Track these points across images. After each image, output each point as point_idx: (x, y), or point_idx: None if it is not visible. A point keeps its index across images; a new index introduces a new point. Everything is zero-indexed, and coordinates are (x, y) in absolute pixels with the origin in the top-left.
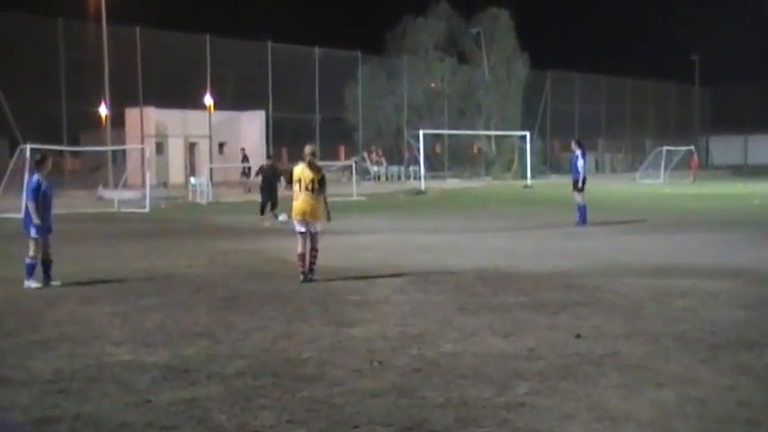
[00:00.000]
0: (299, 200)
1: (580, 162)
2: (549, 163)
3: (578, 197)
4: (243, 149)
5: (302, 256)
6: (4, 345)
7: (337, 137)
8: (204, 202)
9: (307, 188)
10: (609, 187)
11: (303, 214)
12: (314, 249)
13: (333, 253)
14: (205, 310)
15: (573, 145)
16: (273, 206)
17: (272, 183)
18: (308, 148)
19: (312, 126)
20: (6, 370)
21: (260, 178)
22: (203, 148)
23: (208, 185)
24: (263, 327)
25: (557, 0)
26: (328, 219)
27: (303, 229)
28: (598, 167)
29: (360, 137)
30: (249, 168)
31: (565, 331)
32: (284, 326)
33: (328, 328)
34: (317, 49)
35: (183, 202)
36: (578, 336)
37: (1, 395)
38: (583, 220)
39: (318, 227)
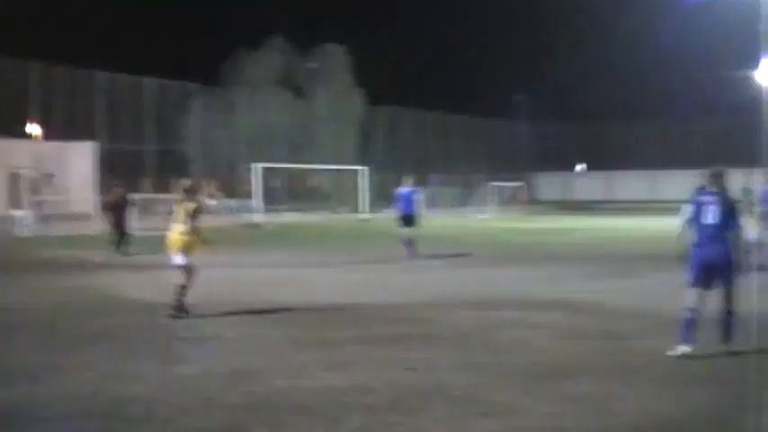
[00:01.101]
0: (173, 233)
1: (416, 197)
2: (385, 197)
3: (407, 232)
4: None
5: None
6: None
7: (171, 170)
8: (30, 234)
9: (180, 221)
10: (441, 221)
11: (176, 247)
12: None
13: (163, 288)
14: (26, 350)
15: (404, 180)
16: (120, 240)
17: (120, 214)
18: (182, 183)
19: (144, 158)
20: None
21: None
22: (28, 179)
23: (32, 218)
24: (89, 366)
25: (393, 38)
26: (202, 250)
27: (179, 263)
28: (430, 202)
29: (194, 170)
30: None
31: (396, 364)
32: (112, 365)
33: (158, 367)
34: (150, 80)
35: (5, 235)
36: (410, 369)
37: None
38: (412, 254)
39: (187, 260)
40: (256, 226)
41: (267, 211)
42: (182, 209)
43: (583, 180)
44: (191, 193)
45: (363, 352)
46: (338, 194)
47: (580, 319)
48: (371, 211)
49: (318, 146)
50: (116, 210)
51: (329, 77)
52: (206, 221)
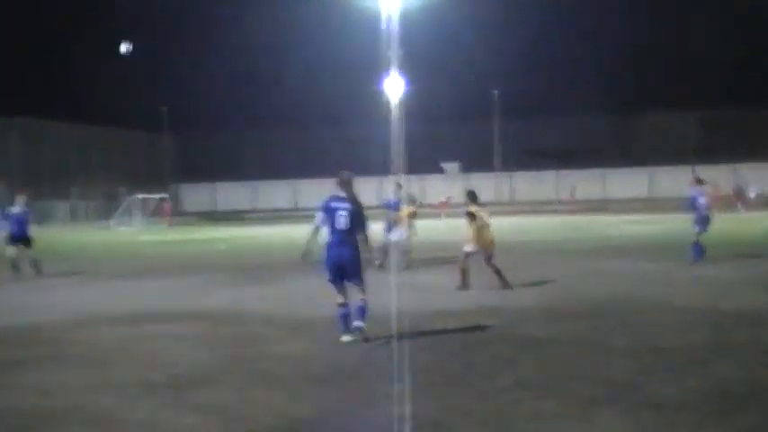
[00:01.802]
0: None
1: (28, 216)
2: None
3: (17, 252)
4: None
5: None
6: None
7: None
8: None
9: None
10: (83, 236)
11: None
12: None
13: None
14: None
15: (17, 200)
16: None
17: None
18: None
19: None
20: None
21: None
22: None
23: None
24: None
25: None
26: None
27: None
28: (71, 216)
29: None
30: None
31: (28, 389)
32: None
33: None
34: None
35: None
36: (44, 392)
37: None
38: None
39: None
40: None
41: None
42: None
43: (227, 191)
44: None
45: None
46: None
47: (221, 327)
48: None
49: None
50: None
51: None
52: None
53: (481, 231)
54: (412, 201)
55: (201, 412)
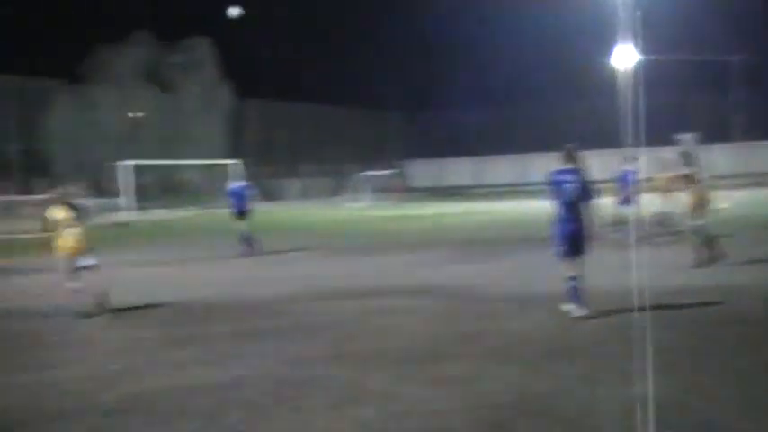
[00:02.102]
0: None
1: (248, 192)
2: (258, 190)
3: (243, 226)
4: None
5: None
6: None
7: (35, 170)
8: None
9: (67, 225)
10: (314, 212)
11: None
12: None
13: (32, 291)
14: None
15: (235, 176)
16: None
17: None
18: (60, 191)
19: (6, 158)
20: None
21: None
22: None
23: None
24: None
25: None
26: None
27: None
28: (302, 193)
29: (60, 170)
30: None
31: (272, 358)
32: None
33: (31, 373)
34: (9, 78)
35: None
36: (286, 362)
37: None
38: (250, 250)
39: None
40: (125, 225)
41: (138, 208)
42: (61, 213)
43: (454, 166)
44: (67, 198)
45: (239, 347)
46: (210, 189)
47: (452, 302)
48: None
49: (189, 141)
50: None
51: (196, 71)
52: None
53: (698, 194)
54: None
55: (441, 385)
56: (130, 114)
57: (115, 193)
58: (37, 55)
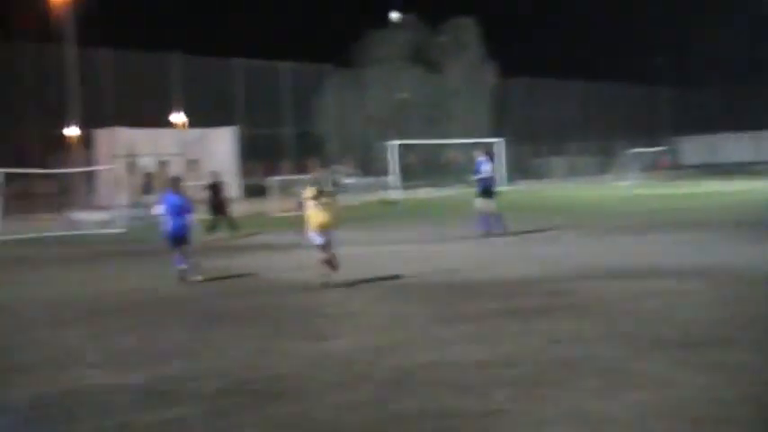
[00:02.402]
0: (315, 213)
1: (484, 167)
2: (520, 169)
3: (485, 204)
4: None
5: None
6: None
7: (307, 150)
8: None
9: (314, 201)
10: (581, 190)
11: (320, 226)
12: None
13: (305, 266)
14: (181, 330)
15: (477, 153)
16: (220, 224)
17: (217, 198)
18: (313, 176)
19: (283, 140)
20: None
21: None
22: (174, 166)
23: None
24: (239, 344)
25: (524, 7)
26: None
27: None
28: (569, 172)
29: (331, 150)
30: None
31: (540, 337)
32: (261, 342)
33: (305, 343)
34: (285, 64)
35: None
36: (555, 341)
37: None
38: (487, 228)
39: (325, 238)
40: (393, 202)
41: (403, 187)
42: (311, 190)
43: (727, 142)
44: (319, 176)
45: (506, 325)
46: (474, 168)
47: (726, 287)
48: (508, 183)
49: (453, 120)
50: (214, 194)
51: (461, 51)
52: (343, 199)
53: None
54: None
55: (714, 372)
56: (397, 95)
57: (383, 172)
58: (309, 41)
